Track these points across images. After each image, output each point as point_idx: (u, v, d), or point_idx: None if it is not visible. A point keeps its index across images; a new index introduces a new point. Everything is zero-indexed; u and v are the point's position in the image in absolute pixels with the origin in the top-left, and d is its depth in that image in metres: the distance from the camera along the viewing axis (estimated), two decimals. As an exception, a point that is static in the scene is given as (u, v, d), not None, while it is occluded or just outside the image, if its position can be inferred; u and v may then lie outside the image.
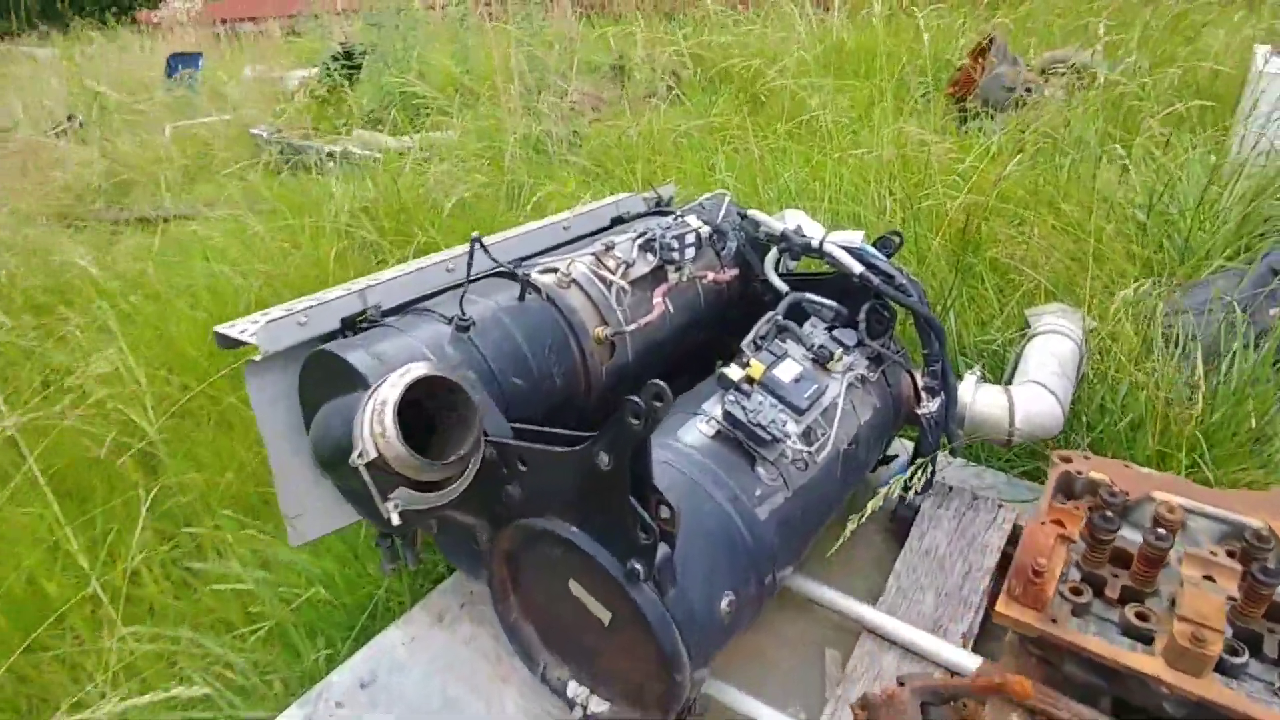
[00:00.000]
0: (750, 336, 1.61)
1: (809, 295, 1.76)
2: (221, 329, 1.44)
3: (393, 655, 1.70)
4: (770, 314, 1.67)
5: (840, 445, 1.59)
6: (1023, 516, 1.86)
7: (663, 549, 1.14)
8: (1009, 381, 2.08)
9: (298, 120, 5.47)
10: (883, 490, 1.66)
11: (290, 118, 5.40)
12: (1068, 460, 1.68)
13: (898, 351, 1.80)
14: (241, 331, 1.42)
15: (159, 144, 5.30)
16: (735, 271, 1.88)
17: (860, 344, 1.74)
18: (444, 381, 1.18)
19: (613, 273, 1.64)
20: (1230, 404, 2.20)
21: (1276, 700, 1.26)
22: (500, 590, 1.46)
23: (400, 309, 1.52)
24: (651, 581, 1.16)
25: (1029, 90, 4.74)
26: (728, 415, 1.42)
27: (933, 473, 1.86)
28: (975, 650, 1.58)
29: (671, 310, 1.74)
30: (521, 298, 1.53)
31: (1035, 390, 1.91)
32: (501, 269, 1.60)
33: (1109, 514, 1.43)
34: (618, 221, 2.06)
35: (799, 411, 1.49)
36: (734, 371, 1.47)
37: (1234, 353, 2.26)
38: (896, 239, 1.82)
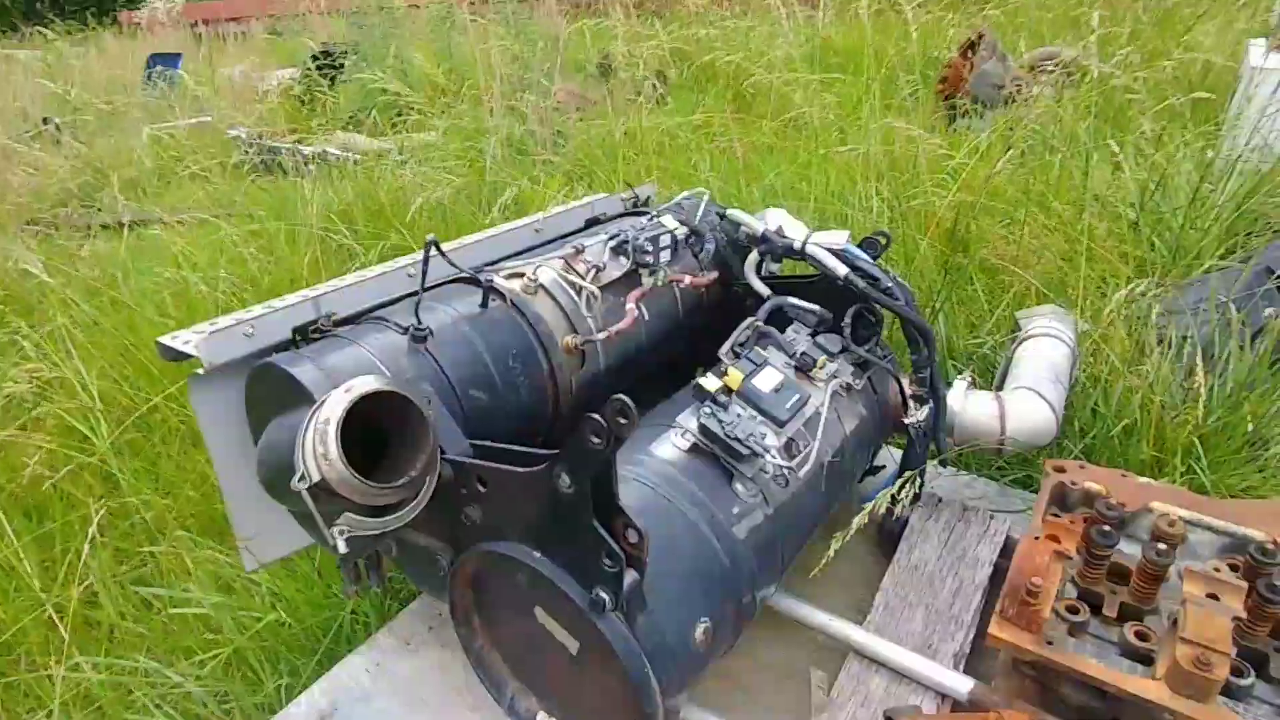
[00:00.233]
0: (728, 344, 1.52)
1: (791, 299, 1.67)
2: (164, 340, 1.35)
3: (356, 683, 1.61)
4: (750, 319, 1.58)
5: (824, 457, 1.51)
6: (1015, 528, 1.79)
7: (630, 575, 1.06)
8: (1000, 387, 2.01)
9: (274, 121, 5.36)
10: (868, 506, 1.58)
11: (264, 118, 5.29)
12: (1062, 470, 1.61)
13: (885, 357, 1.72)
14: (185, 343, 1.33)
15: (135, 147, 5.19)
16: (714, 275, 1.80)
17: (845, 350, 1.66)
18: (394, 397, 1.09)
19: (583, 277, 1.55)
20: (1226, 407, 2.13)
21: (1285, 726, 1.20)
22: (464, 616, 1.38)
23: (355, 318, 1.44)
24: (619, 610, 1.08)
25: (1018, 88, 4.69)
26: (703, 428, 1.34)
27: (921, 485, 1.78)
28: (967, 671, 1.51)
29: (646, 316, 1.65)
30: (484, 305, 1.45)
31: (1027, 397, 1.83)
32: (463, 274, 1.51)
33: (1106, 528, 1.36)
34: (593, 223, 1.98)
35: (779, 423, 1.40)
36: (710, 381, 1.39)
37: (1229, 354, 2.20)
38: (883, 240, 1.74)
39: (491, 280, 1.48)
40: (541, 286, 1.52)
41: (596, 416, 0.94)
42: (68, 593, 1.98)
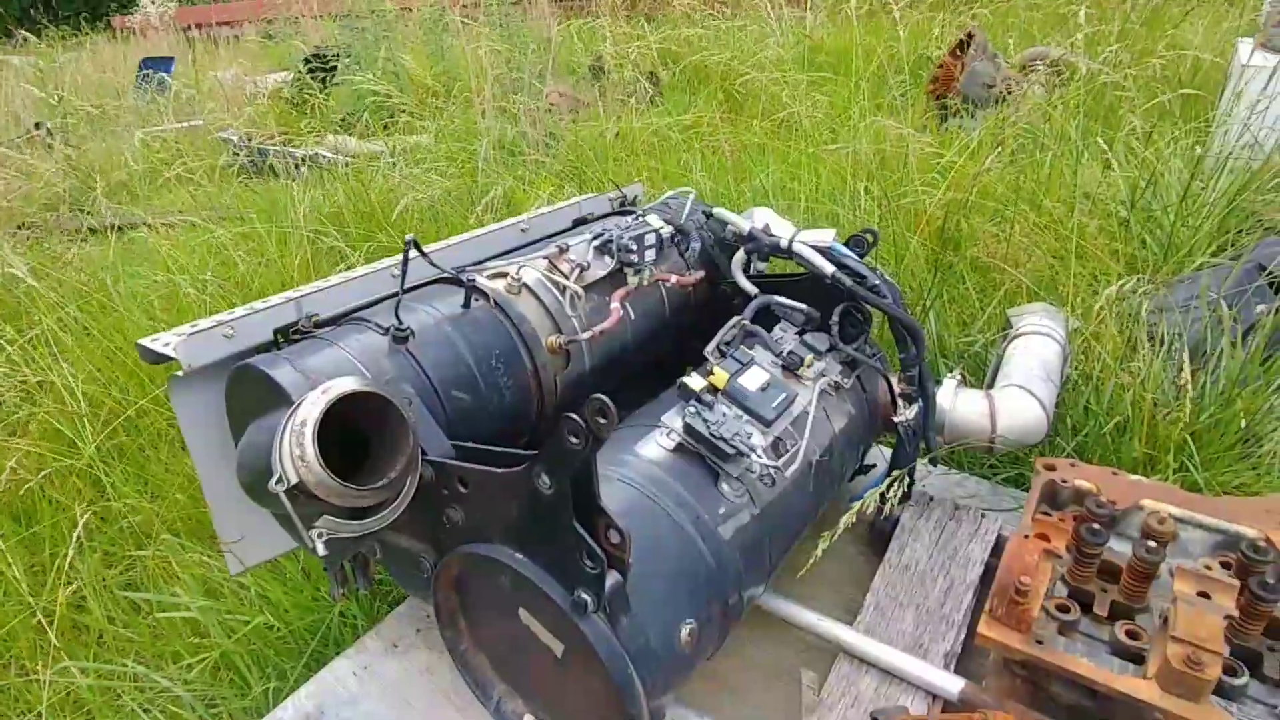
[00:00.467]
0: (714, 343, 1.51)
1: (778, 298, 1.66)
2: (144, 342, 1.34)
3: (343, 686, 1.59)
4: (736, 318, 1.57)
5: (812, 457, 1.50)
6: (1006, 527, 1.78)
7: (613, 577, 1.05)
8: (990, 385, 2.00)
9: (266, 124, 5.34)
10: (856, 505, 1.57)
11: (254, 120, 5.27)
12: (1052, 468, 1.60)
13: (874, 356, 1.71)
14: (165, 345, 1.32)
15: (127, 150, 5.17)
16: (701, 274, 1.79)
17: (833, 349, 1.65)
18: (374, 398, 1.08)
19: (567, 277, 1.54)
20: (1219, 404, 2.12)
21: (1279, 725, 1.18)
22: (448, 619, 1.36)
23: (337, 319, 1.42)
24: (602, 612, 1.06)
25: (1009, 88, 4.69)
26: (688, 428, 1.33)
27: (911, 483, 1.77)
28: (958, 671, 1.49)
29: (632, 316, 1.64)
30: (466, 305, 1.43)
31: (1018, 395, 1.83)
32: (445, 274, 1.50)
33: (1096, 526, 1.35)
34: (580, 223, 1.96)
35: (766, 422, 1.39)
36: (695, 380, 1.37)
37: (1221, 351, 2.19)
38: (870, 237, 1.73)
39: (474, 280, 1.47)
40: (525, 286, 1.51)
41: (575, 416, 0.92)
42: (55, 597, 1.97)
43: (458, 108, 4.97)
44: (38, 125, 6.51)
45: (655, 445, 1.37)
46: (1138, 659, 1.26)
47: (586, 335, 1.52)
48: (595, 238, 1.63)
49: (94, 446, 2.05)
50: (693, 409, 1.34)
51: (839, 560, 1.82)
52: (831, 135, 3.83)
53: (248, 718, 1.71)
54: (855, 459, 1.78)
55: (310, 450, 1.01)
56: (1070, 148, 3.37)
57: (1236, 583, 1.24)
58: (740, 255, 1.78)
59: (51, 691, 1.82)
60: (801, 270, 1.71)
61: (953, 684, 1.41)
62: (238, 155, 4.58)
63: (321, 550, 1.10)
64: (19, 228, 4.43)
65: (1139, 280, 2.28)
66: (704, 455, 1.33)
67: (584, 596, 1.04)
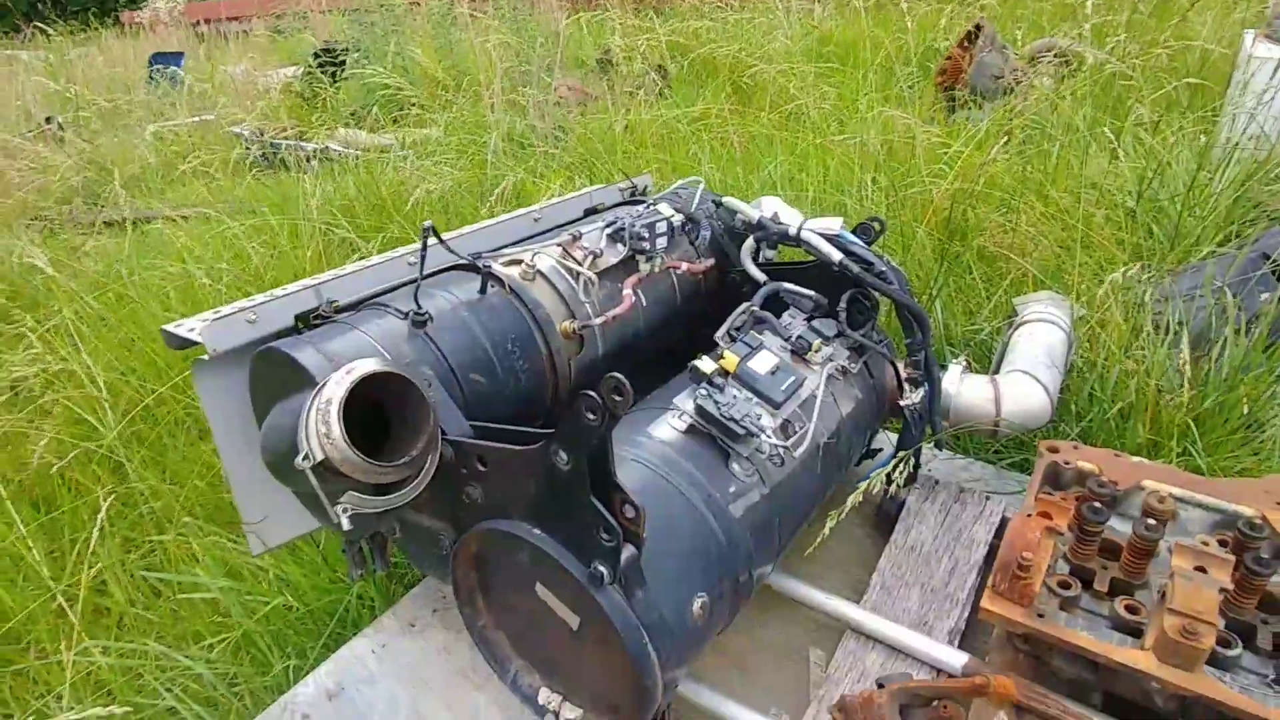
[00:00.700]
0: (725, 328, 1.55)
1: (787, 285, 1.70)
2: (169, 328, 1.38)
3: (362, 665, 1.64)
4: (745, 304, 1.61)
5: (820, 439, 1.54)
6: (1010, 509, 1.81)
7: (628, 550, 1.08)
8: (996, 371, 2.03)
9: (277, 118, 5.39)
10: (862, 485, 1.60)
11: (265, 114, 5.32)
12: (1055, 450, 1.63)
13: (881, 342, 1.74)
14: (190, 330, 1.36)
15: (138, 144, 5.22)
16: (711, 262, 1.82)
17: (841, 334, 1.68)
18: (394, 378, 1.12)
19: (580, 263, 1.58)
20: (1222, 391, 2.15)
21: (1271, 693, 1.21)
22: (467, 596, 1.40)
23: (356, 304, 1.46)
24: (617, 584, 1.10)
25: (1017, 79, 4.70)
26: (700, 409, 1.36)
27: (917, 466, 1.80)
28: (962, 647, 1.53)
29: (644, 303, 1.68)
30: (483, 291, 1.47)
31: (1022, 380, 1.86)
32: (462, 261, 1.54)
33: (1097, 505, 1.38)
34: (591, 213, 2.00)
35: (775, 404, 1.43)
36: (706, 364, 1.41)
37: (1225, 339, 2.22)
38: (877, 225, 1.76)
39: (490, 266, 1.51)
40: (539, 273, 1.55)
41: (592, 393, 0.96)
42: (76, 580, 2.02)
43: (467, 101, 5.00)
44: (49, 119, 6.57)
45: (668, 427, 1.40)
46: (1136, 633, 1.29)
47: (600, 320, 1.56)
48: (608, 225, 1.67)
49: (115, 432, 2.09)
50: (704, 391, 1.38)
51: (847, 542, 1.86)
52: (839, 127, 3.85)
53: (269, 695, 1.76)
54: (862, 443, 1.81)
55: (336, 428, 1.04)
56: (1077, 138, 3.39)
57: (1232, 558, 1.27)
58: (749, 243, 1.81)
59: (74, 672, 1.87)
60: (810, 258, 1.74)
61: (956, 659, 1.45)
62: (250, 149, 4.62)
63: (346, 525, 1.14)
64: (33, 220, 4.50)
65: (1142, 267, 2.31)
66: (715, 436, 1.37)
67: (600, 569, 1.08)
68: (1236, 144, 3.22)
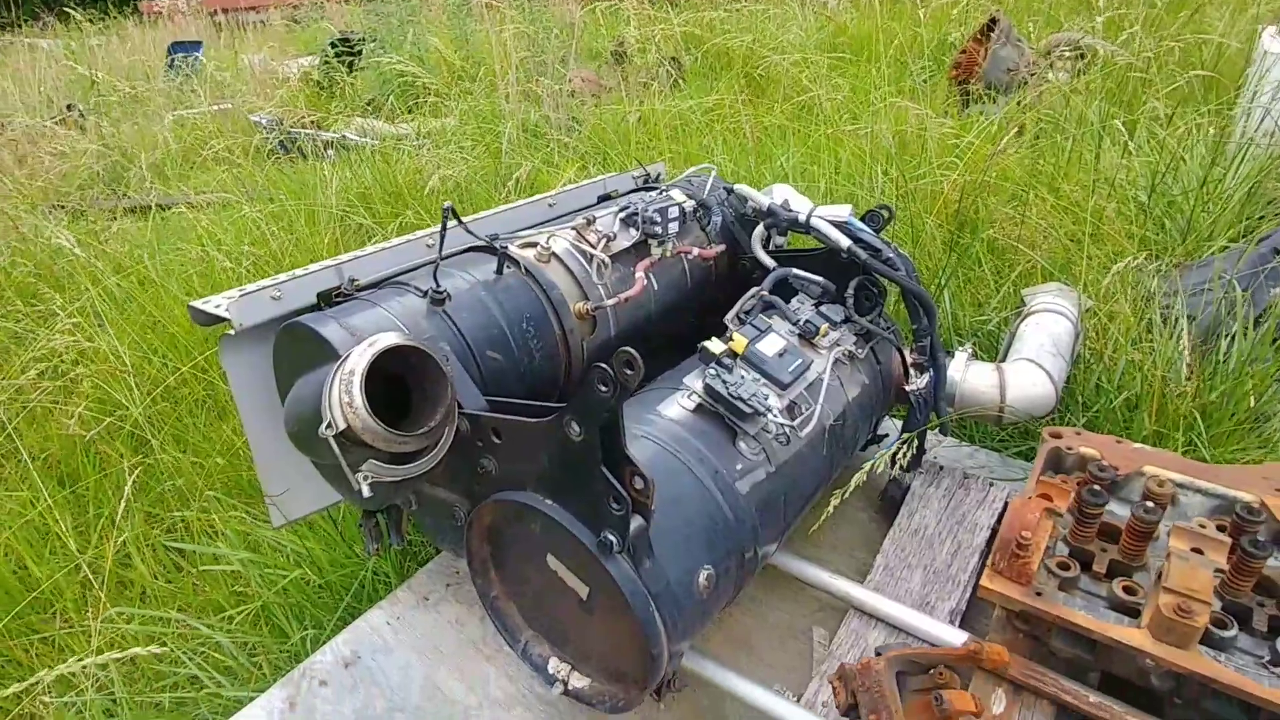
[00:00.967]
0: (734, 311, 1.58)
1: (796, 271, 1.73)
2: (196, 304, 1.42)
3: (377, 636, 1.69)
4: (755, 289, 1.64)
5: (826, 421, 1.57)
6: (1014, 495, 1.84)
7: (637, 520, 1.12)
8: (1003, 360, 2.06)
9: (295, 107, 5.45)
10: (867, 465, 1.63)
11: (284, 102, 5.38)
12: (1058, 436, 1.66)
13: (888, 328, 1.77)
14: (216, 306, 1.41)
15: (158, 132, 5.29)
16: (722, 247, 1.86)
17: (848, 320, 1.71)
18: (414, 352, 1.16)
19: (594, 247, 1.61)
20: (1229, 383, 2.16)
21: (1265, 673, 1.24)
22: (481, 567, 1.45)
23: (377, 283, 1.50)
24: (626, 553, 1.14)
25: (1032, 73, 4.69)
26: (708, 389, 1.40)
27: (921, 450, 1.83)
28: (963, 627, 1.56)
29: (655, 286, 1.71)
30: (499, 271, 1.51)
31: (1027, 368, 1.88)
32: (480, 243, 1.58)
33: (1097, 488, 1.40)
34: (605, 199, 2.04)
35: (782, 386, 1.46)
36: (715, 345, 1.45)
37: (1233, 332, 2.23)
38: (885, 213, 1.79)
39: (506, 248, 1.55)
40: (554, 255, 1.59)
41: (605, 366, 1.00)
42: (102, 551, 2.08)
43: (482, 91, 5.04)
44: (69, 107, 6.66)
45: (677, 406, 1.44)
46: (1134, 613, 1.32)
47: (612, 302, 1.59)
48: (621, 210, 1.71)
49: (141, 409, 2.15)
50: (713, 371, 1.41)
51: (852, 525, 1.90)
52: (852, 118, 3.87)
53: (287, 664, 1.81)
54: (868, 428, 1.84)
55: (358, 397, 1.09)
56: (1090, 132, 3.40)
57: (1228, 540, 1.29)
58: (760, 230, 1.85)
59: (99, 639, 1.93)
60: (819, 245, 1.77)
61: (956, 638, 1.48)
62: (268, 137, 4.68)
63: (366, 492, 1.18)
64: (56, 205, 4.57)
65: (1149, 258, 2.32)
66: (723, 415, 1.40)
67: (610, 538, 1.12)
68: (1250, 139, 3.22)
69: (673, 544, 1.23)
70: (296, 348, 1.33)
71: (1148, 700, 1.31)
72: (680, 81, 5.49)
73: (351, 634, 1.69)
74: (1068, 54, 4.84)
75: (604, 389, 1.02)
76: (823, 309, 1.68)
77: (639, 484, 1.10)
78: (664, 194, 1.78)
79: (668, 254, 1.72)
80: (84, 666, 1.81)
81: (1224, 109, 3.69)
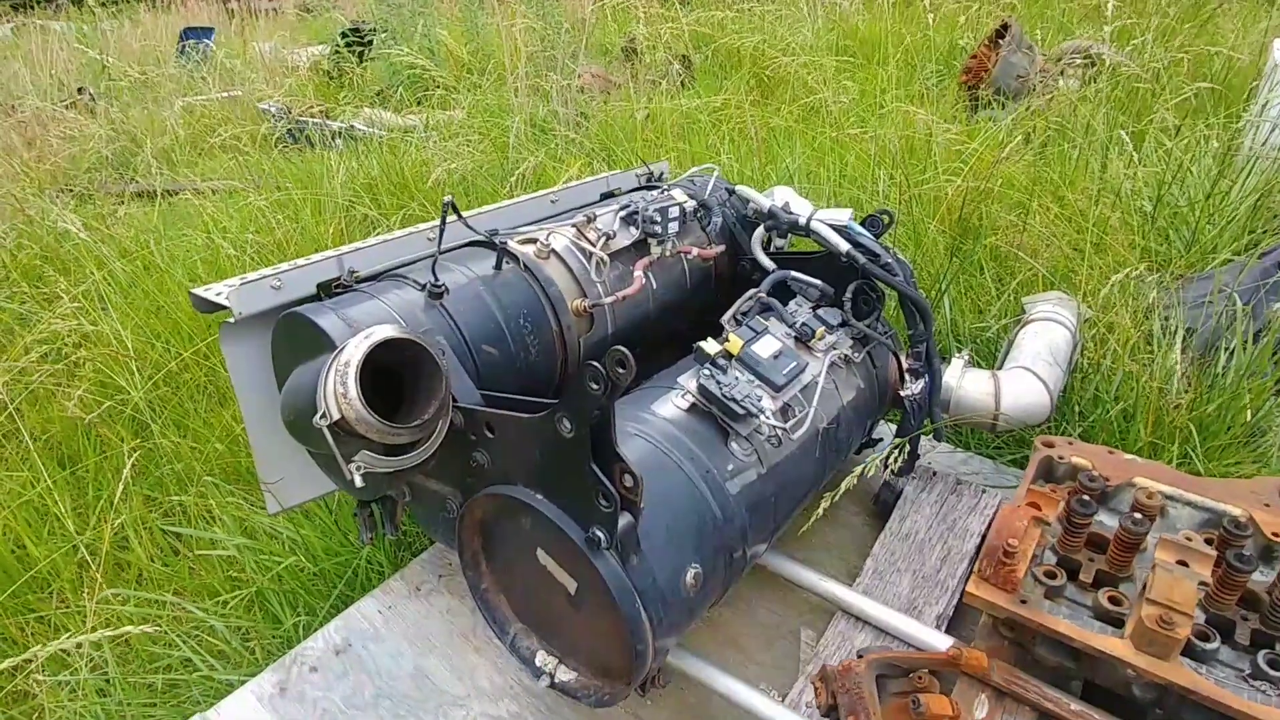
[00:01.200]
0: (731, 312, 1.59)
1: (794, 273, 1.74)
2: (197, 291, 1.44)
3: (369, 624, 1.71)
4: (753, 290, 1.65)
5: (819, 424, 1.58)
6: (1006, 502, 1.84)
7: (625, 518, 1.13)
8: (1000, 367, 2.06)
9: (304, 96, 5.46)
10: (858, 469, 1.64)
11: (293, 91, 5.39)
12: (1051, 445, 1.66)
13: (886, 334, 1.78)
14: (217, 294, 1.42)
15: (168, 118, 5.31)
16: (722, 248, 1.86)
17: (845, 324, 1.72)
18: (410, 344, 1.17)
19: (593, 244, 1.62)
20: (1226, 396, 2.17)
21: (1247, 687, 1.25)
22: (472, 560, 1.46)
23: (376, 275, 1.52)
24: (614, 550, 1.15)
25: (1043, 80, 4.68)
26: (702, 389, 1.41)
27: (914, 454, 1.84)
28: (950, 633, 1.57)
29: (654, 285, 1.72)
30: (498, 266, 1.52)
31: (1023, 376, 1.89)
32: (479, 238, 1.59)
33: (1086, 498, 1.41)
34: (608, 197, 2.04)
35: (776, 388, 1.47)
36: (710, 345, 1.45)
37: (1233, 346, 2.23)
38: (886, 218, 1.79)
39: (506, 243, 1.56)
40: (553, 251, 1.60)
41: (597, 364, 1.00)
42: (100, 533, 2.10)
43: (491, 84, 5.05)
44: (80, 90, 6.68)
45: (671, 405, 1.45)
46: (1118, 623, 1.33)
47: (610, 300, 1.60)
48: (621, 209, 1.71)
49: (141, 393, 2.17)
50: (707, 371, 1.42)
51: (844, 529, 1.91)
52: (860, 122, 3.87)
53: (279, 649, 1.83)
54: (863, 432, 1.85)
55: (353, 388, 1.10)
56: (1096, 141, 3.40)
57: (1213, 553, 1.30)
58: (760, 232, 1.85)
59: (94, 620, 1.95)
60: (819, 248, 1.77)
61: (942, 643, 1.49)
62: (277, 126, 4.69)
63: (359, 482, 1.20)
64: (64, 189, 4.60)
65: (1149, 268, 2.32)
66: (716, 415, 1.41)
67: (598, 534, 1.13)
68: (1258, 153, 3.21)
69: (661, 542, 1.24)
70: (295, 337, 1.34)
71: (1130, 711, 1.32)
72: (690, 80, 5.49)
73: (343, 621, 1.70)
74: (1079, 62, 4.83)
75: (595, 387, 1.03)
76: (820, 312, 1.69)
77: (628, 482, 1.11)
78: (665, 193, 1.78)
79: (667, 253, 1.73)
80: (78, 645, 1.84)
81: (1232, 121, 3.69)
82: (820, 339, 1.62)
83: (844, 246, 1.67)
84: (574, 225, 1.67)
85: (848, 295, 1.72)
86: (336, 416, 1.13)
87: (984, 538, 1.77)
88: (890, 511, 1.86)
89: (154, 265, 3.12)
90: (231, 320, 1.41)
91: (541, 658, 1.41)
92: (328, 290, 1.46)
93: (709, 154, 3.88)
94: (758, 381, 1.47)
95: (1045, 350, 2.00)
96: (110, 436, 2.35)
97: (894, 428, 2.03)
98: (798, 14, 5.42)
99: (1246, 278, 2.47)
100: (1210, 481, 1.58)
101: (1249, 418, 2.14)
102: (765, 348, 1.52)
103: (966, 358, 1.92)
